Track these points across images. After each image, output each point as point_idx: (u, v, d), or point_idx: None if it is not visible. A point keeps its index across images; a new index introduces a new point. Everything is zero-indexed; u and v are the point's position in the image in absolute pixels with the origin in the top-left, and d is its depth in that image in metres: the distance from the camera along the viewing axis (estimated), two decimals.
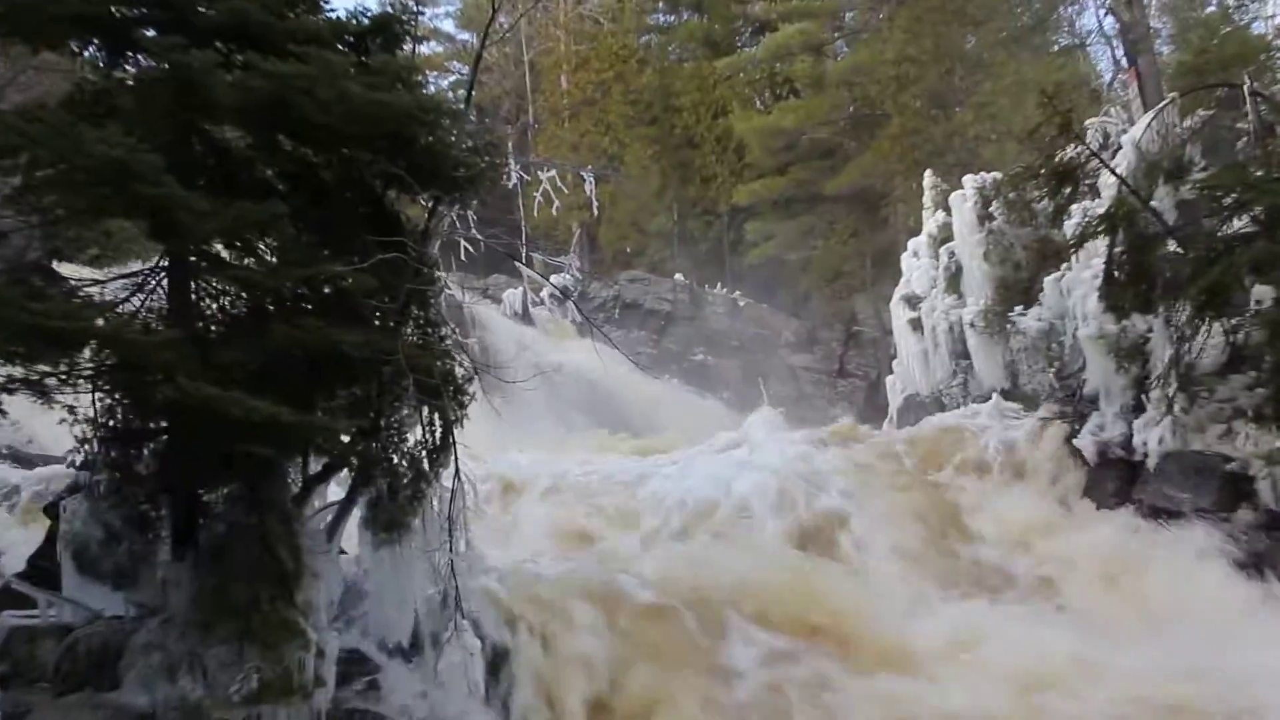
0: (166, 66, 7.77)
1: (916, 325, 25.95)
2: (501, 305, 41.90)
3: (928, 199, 27.77)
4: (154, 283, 8.52)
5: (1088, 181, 17.96)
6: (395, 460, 9.07)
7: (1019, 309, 21.33)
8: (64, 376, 7.74)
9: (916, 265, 26.93)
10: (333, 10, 9.16)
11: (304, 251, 8.48)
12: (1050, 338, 20.61)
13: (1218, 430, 15.47)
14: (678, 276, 46.12)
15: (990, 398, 21.32)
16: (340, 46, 8.63)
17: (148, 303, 8.44)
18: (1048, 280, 20.07)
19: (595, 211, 48.96)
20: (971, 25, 37.79)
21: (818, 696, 10.88)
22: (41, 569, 9.75)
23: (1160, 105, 18.13)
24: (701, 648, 11.38)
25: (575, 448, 26.21)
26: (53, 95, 8.28)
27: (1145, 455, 15.91)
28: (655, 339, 42.95)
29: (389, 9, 9.23)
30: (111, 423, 8.34)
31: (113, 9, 8.20)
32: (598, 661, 10.55)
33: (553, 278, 45.13)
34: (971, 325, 23.07)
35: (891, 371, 28.54)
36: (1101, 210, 16.95)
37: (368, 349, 8.08)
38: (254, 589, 8.01)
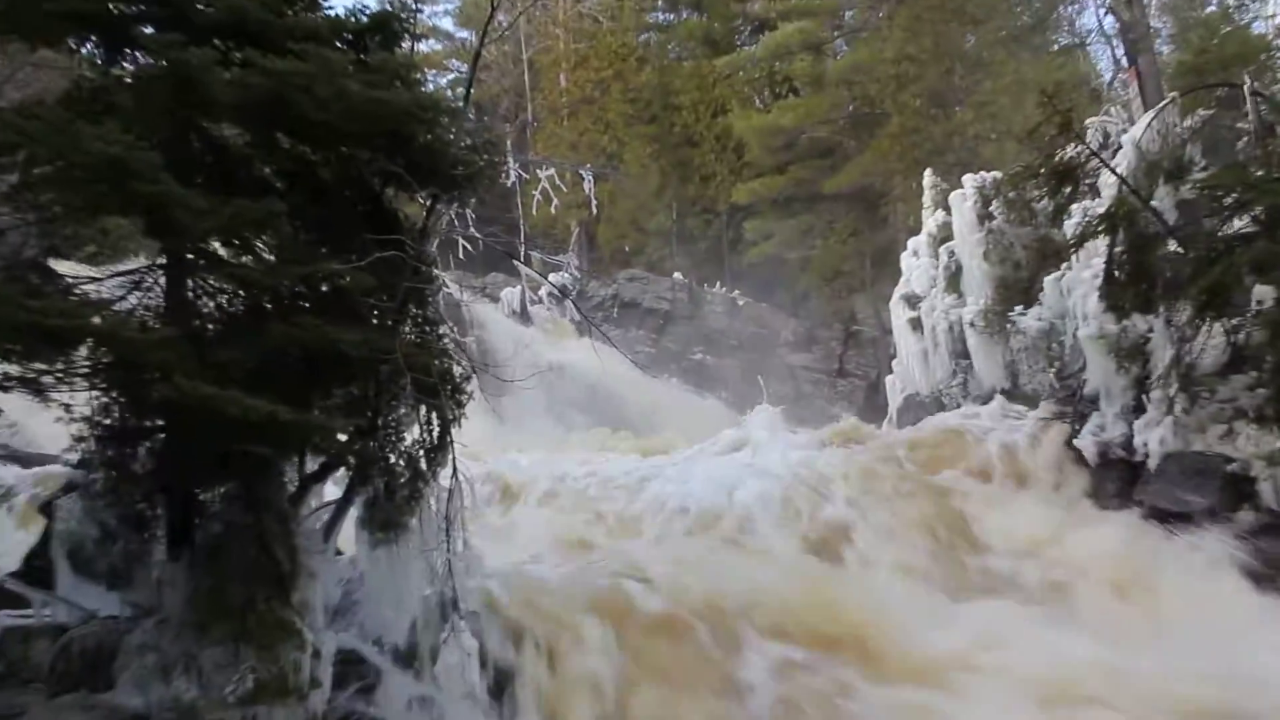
0: (165, 64, 7.75)
1: (916, 325, 25.92)
2: (500, 304, 41.94)
3: (927, 198, 27.74)
4: (151, 281, 8.49)
5: (1088, 181, 17.92)
6: (392, 460, 9.04)
7: (1019, 309, 21.30)
8: (60, 374, 7.70)
9: (916, 264, 26.90)
10: (331, 8, 9.15)
11: (302, 249, 8.46)
12: (1050, 337, 20.58)
13: (1219, 431, 15.43)
14: (676, 275, 46.15)
15: (990, 397, 21.32)
16: (339, 44, 8.60)
17: (145, 301, 8.40)
18: (1048, 280, 20.05)
19: (594, 210, 49.02)
20: (971, 24, 37.79)
21: (836, 708, 10.75)
22: (36, 568, 9.71)
23: (1160, 105, 18.10)
24: (714, 662, 11.15)
25: (574, 447, 26.22)
26: (50, 92, 8.27)
27: (1146, 456, 15.89)
28: (654, 338, 42.99)
29: (388, 6, 9.20)
30: (108, 421, 8.29)
31: (110, 6, 8.18)
32: (606, 681, 10.34)
33: (551, 276, 45.13)
34: (971, 325, 23.04)
35: (891, 371, 28.50)
36: (1102, 210, 16.90)
37: (365, 348, 8.05)
38: (250, 589, 7.99)
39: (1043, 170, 17.72)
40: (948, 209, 25.13)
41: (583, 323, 37.77)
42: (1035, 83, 27.56)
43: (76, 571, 9.15)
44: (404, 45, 9.19)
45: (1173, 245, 15.90)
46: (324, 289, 8.52)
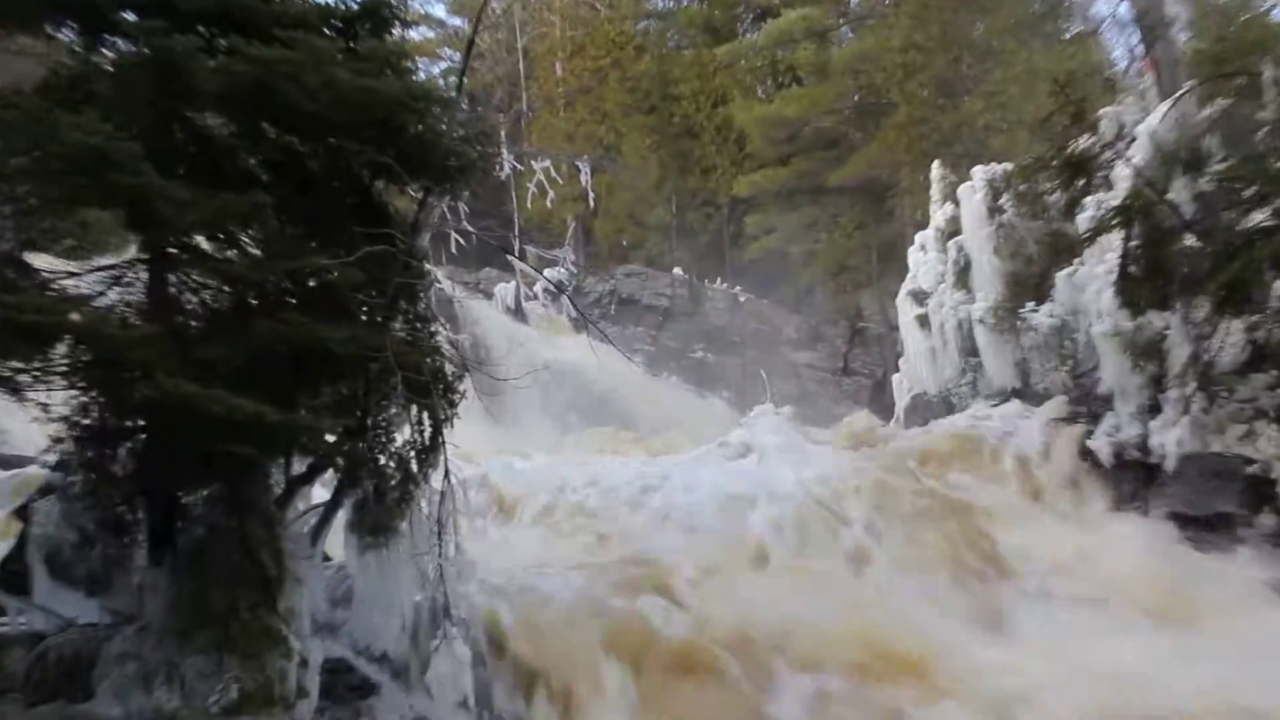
0: (147, 51, 7.72)
1: (924, 322, 25.90)
2: (493, 300, 41.89)
3: (935, 191, 27.70)
4: (132, 276, 8.45)
5: (1102, 173, 17.89)
6: (382, 461, 9.02)
7: (1030, 305, 21.25)
8: (37, 373, 7.67)
9: (924, 259, 26.87)
10: None
11: (289, 244, 8.43)
12: (1063, 335, 20.52)
13: (1238, 431, 15.45)
14: (676, 271, 46.21)
15: (999, 396, 21.35)
16: (327, 31, 8.57)
17: (125, 297, 8.36)
18: (1060, 275, 20.02)
19: (591, 203, 48.99)
20: (980, 11, 37.74)
21: None
22: (12, 574, 9.66)
23: (1177, 94, 18.05)
24: (746, 699, 10.88)
25: (572, 449, 26.13)
26: (27, 80, 8.20)
27: (1163, 458, 15.89)
28: (653, 335, 43.00)
29: None
30: (87, 421, 8.26)
31: None
32: None
33: (547, 272, 45.11)
34: (981, 322, 22.99)
35: (898, 369, 28.47)
36: (1116, 203, 16.91)
37: (354, 345, 8.02)
38: (234, 595, 7.97)
39: (1055, 162, 17.71)
40: (956, 202, 25.11)
41: (579, 320, 37.73)
42: (1047, 71, 27.49)
43: (54, 577, 9.11)
44: (395, 33, 9.15)
45: (1190, 239, 15.89)
46: (312, 284, 8.50)
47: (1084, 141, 17.29)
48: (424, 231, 9.75)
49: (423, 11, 58.87)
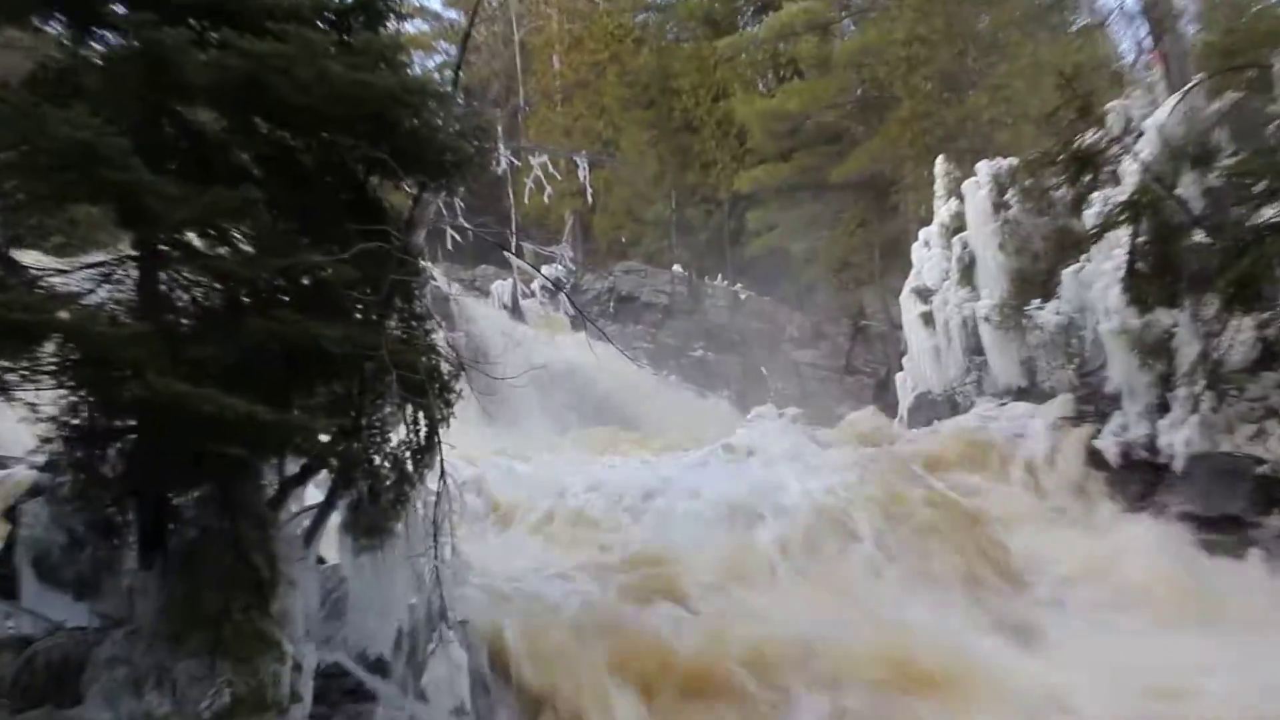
0: (136, 44, 7.70)
1: (928, 319, 25.92)
2: (490, 298, 41.89)
3: (939, 186, 27.75)
4: (122, 273, 8.43)
5: (1109, 168, 17.90)
6: (377, 461, 9.00)
7: (1036, 302, 21.27)
8: (25, 372, 7.65)
9: (928, 256, 26.89)
10: None
11: (281, 240, 8.40)
12: (1069, 333, 20.53)
13: (1248, 431, 15.45)
14: (676, 268, 46.24)
15: (1004, 395, 21.34)
16: (320, 24, 8.53)
17: (115, 294, 8.34)
18: (1066, 272, 20.03)
19: (589, 199, 49.12)
20: (986, 4, 37.73)
21: None
22: None
23: (1186, 87, 18.09)
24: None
25: (571, 449, 26.09)
26: (14, 74, 8.18)
27: (1171, 458, 15.88)
28: (652, 333, 43.00)
29: None
30: (76, 421, 8.24)
31: None
32: None
33: (544, 269, 45.13)
34: (986, 319, 23.02)
35: (901, 368, 28.51)
36: (1124, 198, 16.89)
37: (348, 344, 8.00)
38: (226, 598, 7.94)
39: (1061, 157, 17.69)
40: (961, 198, 25.15)
41: (578, 318, 37.75)
42: (1053, 65, 27.49)
43: (42, 580, 9.09)
44: (389, 26, 9.14)
45: (1199, 235, 15.87)
46: (305, 282, 8.48)
47: (1091, 136, 17.27)
48: (419, 228, 9.71)
49: (418, 4, 59.00)
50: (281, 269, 8.23)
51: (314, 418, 8.53)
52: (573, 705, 10.11)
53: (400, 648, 9.44)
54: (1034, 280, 21.49)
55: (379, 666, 9.39)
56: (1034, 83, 31.45)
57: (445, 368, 9.32)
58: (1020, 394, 21.64)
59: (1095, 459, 17.21)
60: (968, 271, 24.49)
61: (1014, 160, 23.72)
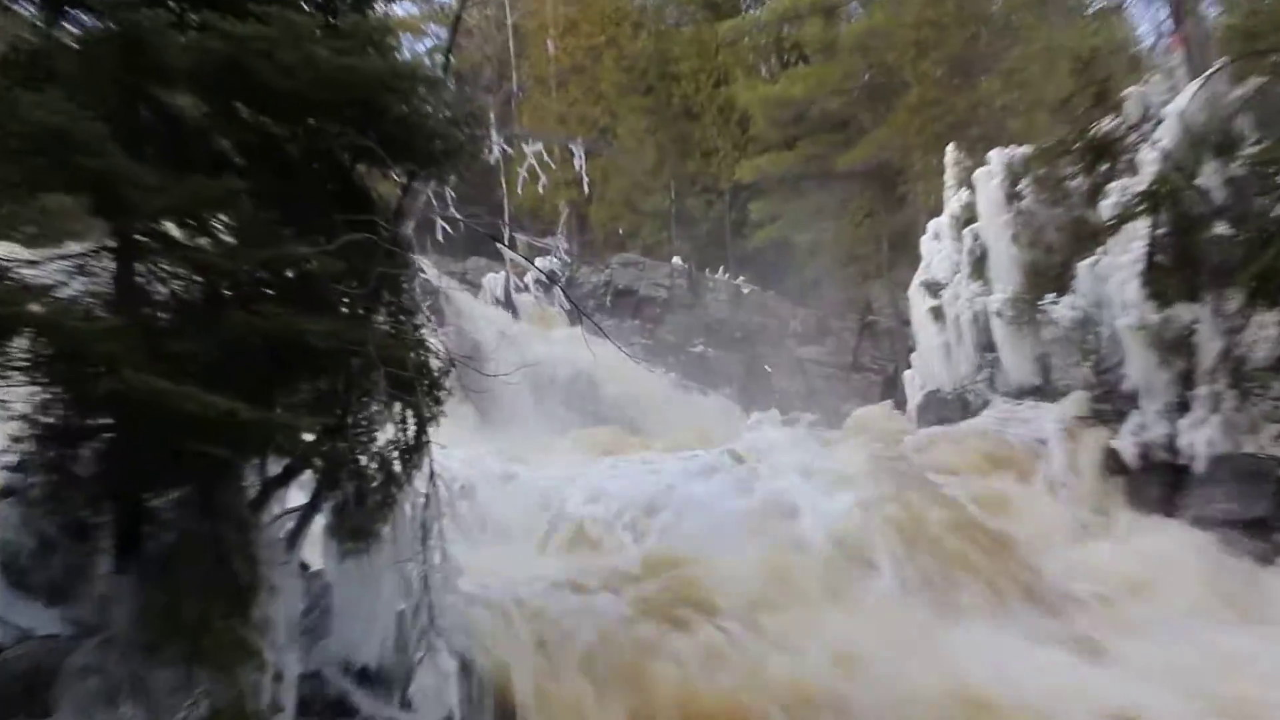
0: (112, 26, 7.67)
1: (938, 314, 25.93)
2: (481, 291, 41.86)
3: (950, 176, 27.74)
4: (97, 265, 8.41)
5: (1127, 157, 17.93)
6: (364, 462, 8.98)
7: (1051, 297, 21.22)
8: None
9: (937, 249, 26.90)
10: None
11: (264, 231, 8.37)
12: (1085, 329, 20.43)
13: (1273, 431, 15.43)
14: (675, 260, 46.21)
15: (1018, 393, 21.33)
16: (306, 6, 8.53)
17: (90, 287, 8.31)
18: (1082, 265, 19.94)
19: (585, 189, 48.98)
20: None
21: None
22: None
23: (1208, 72, 18.03)
24: None
25: (567, 449, 26.04)
26: None
27: (1192, 459, 15.86)
28: (651, 328, 43.00)
29: None
30: (48, 419, 8.22)
31: None
32: None
33: (538, 261, 45.16)
34: (998, 314, 23.00)
35: (910, 365, 28.51)
36: (1142, 188, 16.89)
37: (334, 339, 7.98)
38: (205, 605, 7.91)
39: (1077, 145, 17.74)
40: (972, 188, 25.13)
41: (573, 312, 37.77)
42: (1068, 49, 27.56)
43: (11, 586, 9.01)
44: (377, 8, 9.13)
45: (1221, 227, 15.85)
46: (289, 274, 8.47)
47: (1108, 123, 17.30)
48: (408, 219, 9.70)
49: None
50: (264, 261, 8.22)
51: (298, 416, 8.51)
52: None
53: (386, 656, 9.41)
54: (1048, 274, 21.44)
55: (364, 676, 9.35)
56: (1048, 68, 31.54)
57: (435, 364, 9.31)
58: (1034, 392, 21.64)
59: (1113, 461, 17.18)
60: (979, 264, 24.47)
61: (1028, 149, 23.66)
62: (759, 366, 40.35)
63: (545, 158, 47.53)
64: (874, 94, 41.13)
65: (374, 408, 8.96)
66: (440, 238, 42.07)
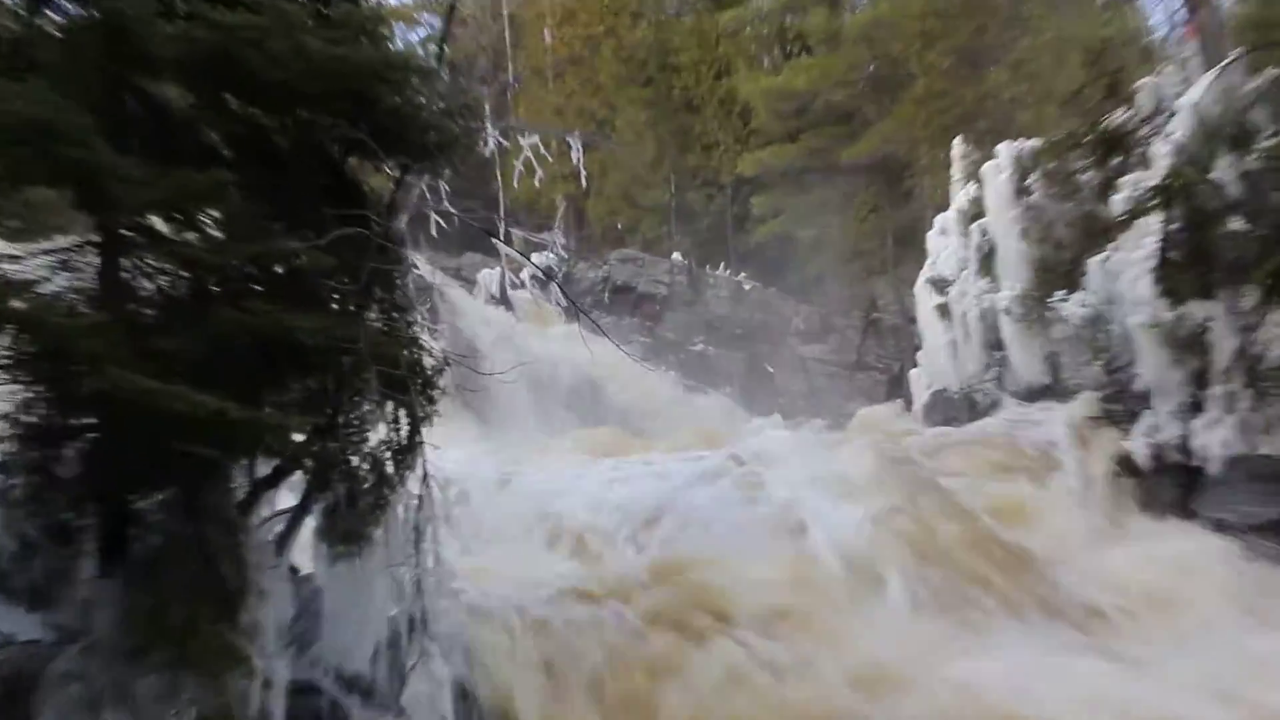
0: (97, 14, 7.65)
1: (944, 312, 25.90)
2: (476, 288, 41.82)
3: (957, 170, 27.75)
4: (81, 260, 8.39)
5: (1139, 150, 17.90)
6: (355, 463, 8.95)
7: (1061, 294, 21.20)
8: None
9: (944, 245, 26.88)
10: None
11: (253, 226, 8.35)
12: (1096, 327, 20.36)
13: None
14: (675, 256, 46.20)
15: (1026, 393, 21.32)
16: None
17: (74, 282, 8.29)
18: (1093, 261, 19.92)
19: (583, 183, 48.95)
20: None
21: None
22: None
23: (1223, 63, 18.01)
24: None
25: (565, 449, 26.00)
26: None
27: (1206, 460, 15.83)
28: (650, 326, 42.98)
29: None
30: (30, 419, 8.19)
31: None
32: None
33: (534, 257, 45.12)
34: (1007, 312, 22.95)
35: (916, 364, 28.50)
36: (1155, 182, 16.86)
37: (325, 336, 7.96)
38: (191, 610, 7.88)
39: (1088, 138, 17.72)
40: (980, 182, 25.08)
41: (570, 309, 37.75)
42: (1079, 40, 27.59)
43: None
44: None
45: (1236, 222, 15.82)
46: (278, 270, 8.45)
47: (1119, 116, 17.27)
48: (401, 213, 9.67)
49: None
50: (253, 256, 8.19)
51: (287, 415, 8.50)
52: None
53: (379, 663, 9.39)
54: (1058, 270, 21.42)
55: (355, 683, 9.33)
56: (1059, 58, 31.57)
57: (428, 362, 9.29)
58: (1043, 392, 21.61)
59: (1124, 463, 17.15)
60: (987, 261, 24.45)
61: (1037, 142, 23.62)
62: (760, 365, 40.33)
63: (542, 151, 47.47)
64: (879, 86, 41.17)
65: (366, 407, 8.93)
66: (434, 233, 42.09)
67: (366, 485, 8.90)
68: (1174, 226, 16.39)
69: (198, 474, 8.21)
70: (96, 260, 8.26)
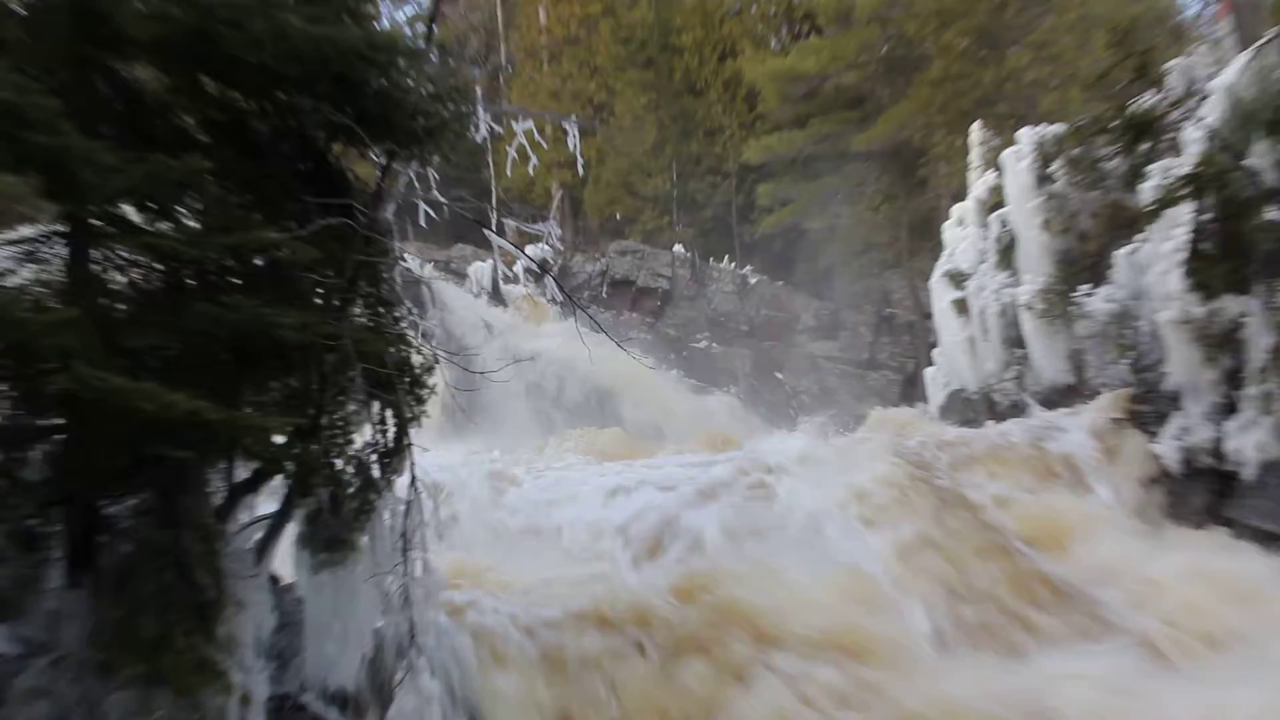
0: None
1: (961, 307, 25.92)
2: (467, 281, 41.85)
3: (975, 157, 27.79)
4: (48, 251, 8.38)
5: (1168, 136, 17.85)
6: (339, 466, 8.96)
7: (1085, 288, 21.20)
8: None
9: (961, 236, 26.91)
10: None
11: (231, 215, 8.34)
12: (1123, 323, 20.39)
13: None
14: (677, 248, 46.24)
15: (1049, 393, 21.32)
16: None
17: (40, 275, 8.29)
18: (1119, 254, 19.96)
19: (580, 171, 48.87)
20: None
21: None
22: None
23: (1259, 43, 17.97)
24: None
25: (562, 452, 25.98)
26: None
27: (1241, 465, 15.80)
28: (650, 322, 43.09)
29: None
30: None
31: None
32: None
33: (528, 249, 45.02)
34: (1028, 307, 22.97)
35: (931, 362, 28.53)
36: (1186, 170, 16.84)
37: (307, 332, 7.95)
38: (165, 622, 7.87)
39: (1114, 123, 17.65)
40: (999, 169, 25.07)
41: (566, 304, 37.72)
42: (1105, 19, 27.48)
43: None
44: None
45: (1272, 212, 15.79)
46: (258, 262, 8.44)
47: (1148, 99, 17.22)
48: (388, 202, 9.68)
49: None
50: (231, 247, 8.17)
51: (267, 416, 8.49)
52: None
53: (363, 677, 9.38)
54: (1082, 263, 21.45)
55: (340, 699, 9.34)
56: (1083, 39, 31.57)
57: (417, 360, 9.28)
58: (1066, 392, 21.60)
59: (1153, 467, 17.11)
60: (1007, 253, 24.46)
61: (1060, 127, 23.65)
62: (767, 363, 40.36)
63: (536, 136, 46.84)
64: (893, 68, 41.09)
65: (350, 407, 8.94)
66: (423, 223, 41.96)
67: (351, 490, 8.90)
68: (1206, 216, 16.38)
69: (172, 478, 8.20)
70: (65, 251, 8.24)
